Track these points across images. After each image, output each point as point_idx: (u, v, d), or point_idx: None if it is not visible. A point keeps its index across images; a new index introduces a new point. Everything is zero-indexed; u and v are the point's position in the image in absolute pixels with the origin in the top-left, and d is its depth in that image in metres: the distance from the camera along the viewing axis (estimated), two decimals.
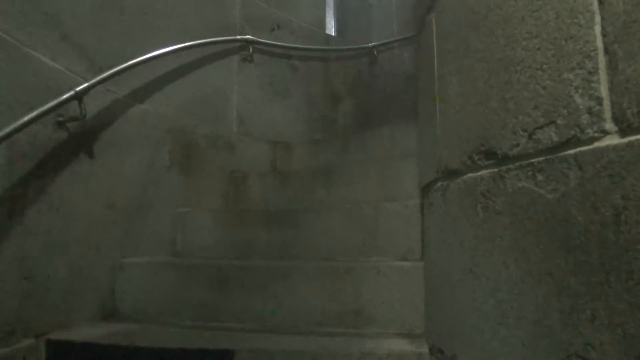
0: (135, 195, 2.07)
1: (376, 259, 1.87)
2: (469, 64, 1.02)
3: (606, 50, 0.68)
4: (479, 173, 0.97)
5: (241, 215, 2.17)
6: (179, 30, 2.38)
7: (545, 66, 0.79)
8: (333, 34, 3.75)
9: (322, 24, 3.46)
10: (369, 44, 3.56)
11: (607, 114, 0.67)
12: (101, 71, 1.88)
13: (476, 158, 0.98)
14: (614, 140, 0.65)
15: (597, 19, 0.69)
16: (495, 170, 0.91)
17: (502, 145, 0.89)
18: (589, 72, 0.70)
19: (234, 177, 2.56)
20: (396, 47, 3.72)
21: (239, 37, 2.77)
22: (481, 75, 0.97)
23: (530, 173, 0.81)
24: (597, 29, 0.69)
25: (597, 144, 0.68)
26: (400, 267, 1.66)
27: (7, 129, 1.34)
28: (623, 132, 0.64)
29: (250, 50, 2.87)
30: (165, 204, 2.23)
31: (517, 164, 0.85)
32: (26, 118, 1.41)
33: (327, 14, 3.67)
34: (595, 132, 0.69)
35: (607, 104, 0.67)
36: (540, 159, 0.79)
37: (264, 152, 2.85)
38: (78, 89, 1.66)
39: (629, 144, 0.62)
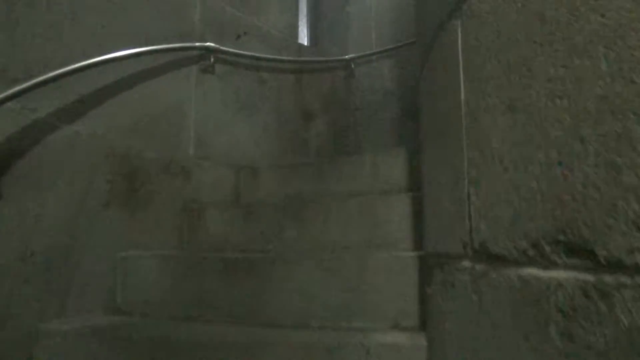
0: (61, 240, 1.65)
1: (361, 324, 1.51)
2: (535, 99, 0.68)
3: None
4: (554, 274, 0.63)
5: (195, 262, 1.78)
6: (124, 34, 1.98)
7: None
8: (306, 44, 3.40)
9: (294, 32, 3.11)
10: (346, 56, 3.23)
11: None
12: (15, 83, 1.47)
13: (548, 249, 0.64)
14: None
15: None
16: (591, 278, 0.57)
17: (607, 242, 0.55)
18: None
19: (189, 210, 2.17)
20: (375, 60, 3.40)
21: (197, 44, 2.38)
22: (563, 119, 0.63)
23: None
24: None
25: None
26: (396, 346, 1.30)
27: None
28: None
29: (212, 59, 2.49)
30: (102, 247, 1.81)
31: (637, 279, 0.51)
32: None
33: (300, 21, 3.33)
34: None
35: None
36: None
37: (225, 178, 2.46)
38: None
39: None
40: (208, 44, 2.45)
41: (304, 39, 3.41)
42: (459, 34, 0.92)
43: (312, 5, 3.48)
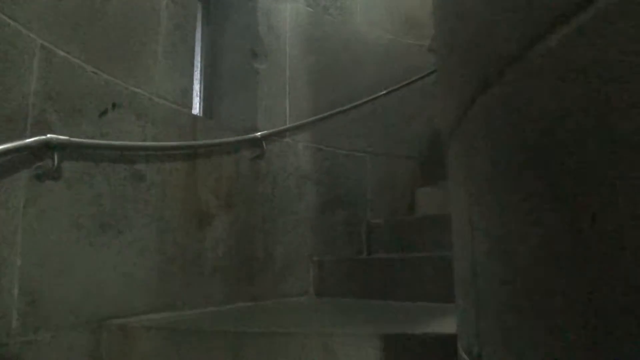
0: None
1: None
2: None
3: None
4: None
5: None
6: None
7: None
8: (200, 111, 2.51)
9: (187, 99, 2.22)
10: (257, 134, 2.43)
11: None
12: None
13: None
14: None
15: None
16: None
17: None
18: None
19: None
20: (288, 135, 2.65)
21: (29, 140, 1.40)
22: None
23: None
24: None
25: None
26: None
27: None
28: None
29: (56, 159, 1.51)
30: None
31: None
32: None
33: (195, 84, 2.43)
34: None
35: None
36: None
37: (77, 348, 1.50)
38: None
39: None
40: (49, 136, 1.47)
41: (200, 107, 2.51)
42: None
43: (209, 61, 2.61)
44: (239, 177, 2.37)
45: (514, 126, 0.59)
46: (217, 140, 2.22)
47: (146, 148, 1.89)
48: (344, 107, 2.84)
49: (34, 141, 1.42)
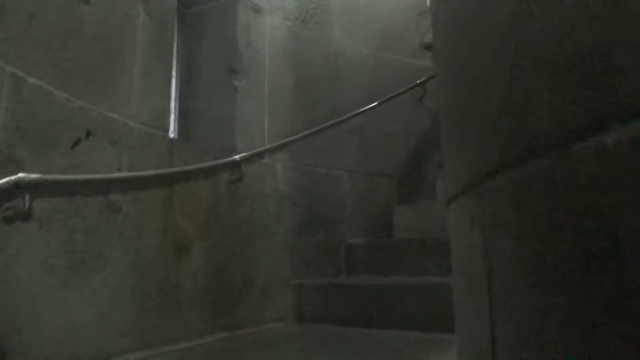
0: None
1: None
2: None
3: None
4: None
5: None
6: None
7: None
8: (175, 133, 2.40)
9: (164, 121, 2.11)
10: (236, 157, 2.34)
11: None
12: None
13: None
14: None
15: None
16: None
17: None
18: None
19: None
20: (267, 155, 2.58)
21: None
22: None
23: None
24: None
25: None
26: None
27: None
28: None
29: (27, 199, 1.40)
30: None
31: None
32: None
33: (172, 105, 2.32)
34: None
35: None
36: None
37: None
38: None
39: None
40: (19, 175, 1.36)
41: (176, 129, 2.40)
42: None
43: (185, 78, 2.49)
44: (217, 201, 2.29)
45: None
46: (195, 167, 2.12)
47: (121, 180, 1.78)
48: (323, 125, 2.79)
49: (4, 183, 1.30)
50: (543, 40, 0.59)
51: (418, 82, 3.20)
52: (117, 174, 1.76)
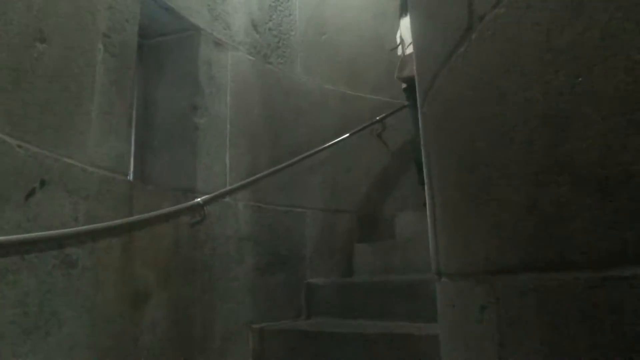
0: None
1: None
2: None
3: None
4: None
5: None
6: None
7: None
8: (135, 176, 2.26)
9: (123, 164, 1.99)
10: (198, 200, 2.24)
11: None
12: None
13: None
14: None
15: None
16: None
17: None
18: None
19: None
20: (229, 195, 2.49)
21: None
22: None
23: None
24: None
25: None
26: None
27: None
28: None
29: None
30: None
31: None
32: None
33: (132, 146, 2.19)
34: None
35: None
36: None
37: None
38: None
39: None
40: None
41: (132, 165, 2.26)
42: None
43: (143, 116, 2.37)
44: (178, 246, 2.17)
45: None
46: (155, 213, 2.00)
47: (79, 233, 1.65)
48: (286, 163, 2.74)
49: None
50: (581, 157, 0.58)
51: (378, 118, 3.24)
52: (73, 229, 1.62)
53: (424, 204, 1.27)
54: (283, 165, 2.72)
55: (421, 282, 2.32)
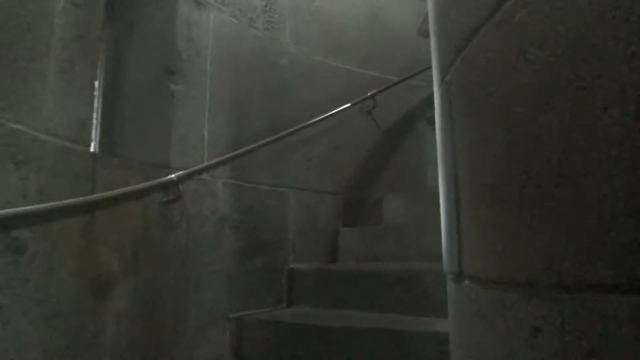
0: None
1: None
2: None
3: None
4: None
5: None
6: None
7: None
8: (100, 147, 1.99)
9: (85, 133, 1.72)
10: (172, 176, 2.00)
11: None
12: None
13: None
14: None
15: None
16: None
17: None
18: None
19: None
20: (206, 171, 2.26)
21: None
22: None
23: None
24: None
25: None
26: None
27: None
28: None
29: None
30: None
31: None
32: None
33: (95, 112, 1.91)
34: None
35: None
36: None
37: None
38: None
39: None
40: None
41: (96, 134, 1.98)
42: None
43: (110, 80, 2.08)
44: (147, 228, 1.94)
45: None
46: (121, 190, 1.76)
47: (28, 213, 1.40)
48: (269, 139, 2.51)
49: None
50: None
51: (369, 94, 3.01)
52: (21, 208, 1.37)
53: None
54: (266, 140, 2.49)
55: (414, 272, 2.15)
